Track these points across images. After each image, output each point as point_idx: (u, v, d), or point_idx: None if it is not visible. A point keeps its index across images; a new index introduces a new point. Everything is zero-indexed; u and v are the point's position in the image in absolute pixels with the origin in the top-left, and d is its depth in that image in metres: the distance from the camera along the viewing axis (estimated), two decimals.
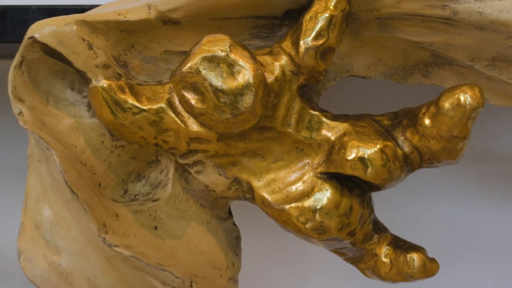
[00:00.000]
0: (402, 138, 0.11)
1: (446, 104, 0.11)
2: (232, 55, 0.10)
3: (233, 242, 0.13)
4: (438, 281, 0.23)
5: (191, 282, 0.11)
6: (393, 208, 0.20)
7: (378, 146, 0.11)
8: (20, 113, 0.12)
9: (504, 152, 0.23)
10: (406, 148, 0.11)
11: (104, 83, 0.11)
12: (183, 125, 0.11)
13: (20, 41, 0.13)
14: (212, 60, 0.10)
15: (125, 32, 0.12)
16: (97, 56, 0.12)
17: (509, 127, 0.24)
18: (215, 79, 0.10)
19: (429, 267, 0.12)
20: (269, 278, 0.23)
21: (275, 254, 0.23)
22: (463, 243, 0.23)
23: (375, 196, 0.14)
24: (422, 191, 0.23)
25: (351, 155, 0.11)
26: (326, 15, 0.11)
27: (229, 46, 0.10)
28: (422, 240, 0.14)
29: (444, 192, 0.23)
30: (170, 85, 0.12)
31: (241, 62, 0.10)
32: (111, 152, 0.12)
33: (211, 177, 0.12)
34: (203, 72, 0.10)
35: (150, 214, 0.12)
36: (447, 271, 0.22)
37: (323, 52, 0.11)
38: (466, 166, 0.23)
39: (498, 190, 0.23)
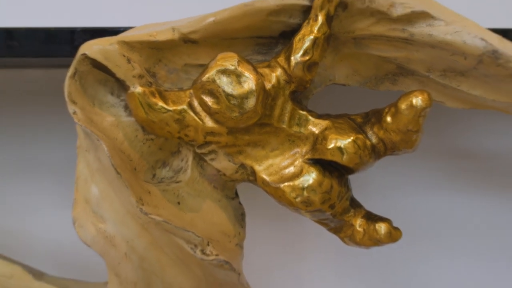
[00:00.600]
0: (370, 132, 0.15)
1: (403, 106, 0.14)
2: (239, 68, 0.14)
3: (239, 217, 0.17)
4: (418, 268, 0.26)
5: (208, 242, 0.14)
6: (376, 200, 0.23)
7: (352, 138, 0.14)
8: (74, 113, 0.15)
9: (476, 149, 0.26)
10: (374, 140, 0.15)
11: (139, 89, 0.15)
12: (200, 122, 0.15)
13: (67, 56, 0.17)
14: (225, 72, 0.14)
15: (154, 49, 0.15)
16: (134, 69, 0.15)
17: (480, 126, 0.27)
18: (227, 86, 0.14)
19: (394, 234, 0.15)
20: (267, 257, 0.26)
21: (273, 236, 0.27)
22: (440, 231, 0.27)
23: (362, 188, 0.17)
24: (403, 185, 0.26)
25: (331, 145, 0.14)
26: (311, 37, 0.14)
27: (237, 62, 0.14)
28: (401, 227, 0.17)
29: (424, 185, 0.27)
30: (190, 91, 0.15)
31: (246, 74, 0.13)
32: (143, 144, 0.16)
33: (222, 163, 0.15)
34: (218, 81, 0.14)
35: (174, 193, 0.16)
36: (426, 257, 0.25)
37: (309, 66, 0.14)
38: (447, 162, 0.26)
39: (473, 182, 0.26)
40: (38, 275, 0.20)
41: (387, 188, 0.27)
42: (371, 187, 0.27)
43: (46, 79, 0.24)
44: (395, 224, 0.16)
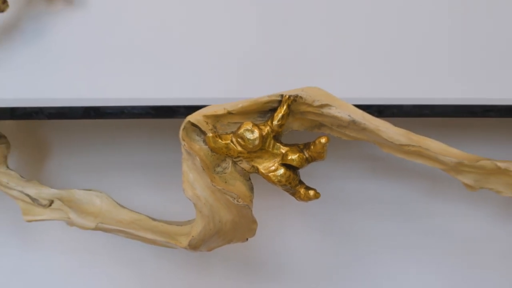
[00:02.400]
0: (305, 151, 0.35)
1: (317, 141, 0.35)
2: (252, 128, 0.34)
3: (251, 188, 0.37)
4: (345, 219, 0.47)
5: (239, 197, 0.35)
6: (319, 181, 0.44)
7: (297, 155, 0.35)
8: (183, 145, 0.36)
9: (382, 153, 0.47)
10: (307, 155, 0.35)
11: (210, 134, 0.36)
12: (236, 148, 0.36)
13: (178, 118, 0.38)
14: (246, 130, 0.34)
15: (216, 116, 0.36)
16: (208, 125, 0.36)
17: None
18: (247, 135, 0.34)
19: (316, 195, 0.36)
20: (264, 211, 0.47)
21: (267, 200, 0.48)
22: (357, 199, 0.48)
23: (309, 174, 0.38)
24: (332, 172, 0.47)
25: (289, 157, 0.35)
26: (281, 114, 0.35)
27: (251, 125, 0.34)
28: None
29: (345, 173, 0.48)
30: (232, 135, 0.36)
31: (255, 130, 0.34)
32: (211, 156, 0.36)
33: (244, 165, 0.36)
34: (244, 133, 0.34)
35: (223, 178, 0.36)
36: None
37: (280, 126, 0.35)
38: (362, 163, 0.47)
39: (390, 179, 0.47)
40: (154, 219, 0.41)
41: (324, 174, 0.48)
42: (315, 174, 0.48)
43: (160, 125, 0.45)
44: (324, 195, 0.36)
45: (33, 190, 0.44)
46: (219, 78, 0.49)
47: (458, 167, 0.38)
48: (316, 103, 0.35)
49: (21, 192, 0.44)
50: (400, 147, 0.37)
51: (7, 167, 0.45)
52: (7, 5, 0.47)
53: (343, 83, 0.49)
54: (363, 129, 0.36)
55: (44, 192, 0.45)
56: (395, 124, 0.36)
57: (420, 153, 0.37)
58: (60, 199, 0.44)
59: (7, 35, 0.50)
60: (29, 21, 0.50)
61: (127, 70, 0.50)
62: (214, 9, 0.49)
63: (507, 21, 0.48)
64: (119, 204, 0.43)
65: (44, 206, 0.44)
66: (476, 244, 0.50)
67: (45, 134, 0.51)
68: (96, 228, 0.42)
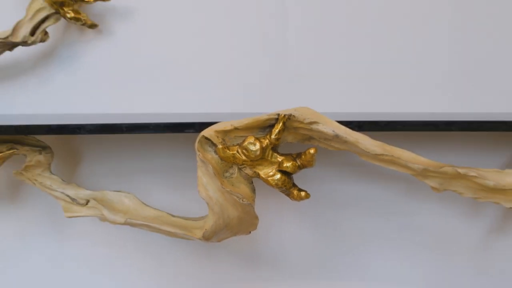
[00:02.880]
0: (298, 160, 0.44)
1: (307, 151, 0.43)
2: (254, 141, 0.43)
3: (253, 190, 0.46)
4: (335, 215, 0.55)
5: (243, 197, 0.43)
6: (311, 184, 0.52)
7: (291, 163, 0.43)
8: (198, 155, 0.44)
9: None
10: (299, 163, 0.43)
11: (220, 146, 0.44)
12: (241, 157, 0.44)
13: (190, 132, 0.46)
14: (250, 142, 0.43)
15: (224, 131, 0.44)
16: (218, 139, 0.44)
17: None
18: (250, 147, 0.43)
19: (307, 195, 0.44)
20: (264, 208, 0.56)
21: (262, 204, 0.56)
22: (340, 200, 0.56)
23: (303, 178, 0.46)
24: (323, 176, 0.55)
25: (284, 165, 0.43)
26: (277, 129, 0.43)
27: (254, 139, 0.43)
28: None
29: (334, 178, 0.56)
30: (237, 146, 0.44)
31: (256, 143, 0.43)
32: (220, 164, 0.45)
33: (247, 171, 0.44)
34: (248, 145, 0.43)
35: (231, 181, 0.45)
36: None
37: (277, 139, 0.43)
38: (343, 168, 0.55)
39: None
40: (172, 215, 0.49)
41: (315, 178, 0.56)
42: (307, 178, 0.56)
43: (177, 137, 0.53)
44: (315, 196, 0.45)
45: (72, 191, 0.53)
46: (224, 96, 0.58)
47: (424, 173, 0.46)
48: (307, 121, 0.43)
49: (63, 193, 0.53)
50: (376, 156, 0.45)
51: (51, 172, 0.54)
52: (48, 36, 0.56)
53: (330, 99, 0.57)
54: (345, 141, 0.44)
55: (81, 193, 0.53)
56: (372, 137, 0.44)
57: (392, 161, 0.45)
58: (95, 199, 0.53)
59: (46, 60, 0.59)
60: (64, 48, 0.58)
61: (146, 88, 0.58)
62: (220, 40, 0.57)
63: (471, 41, 0.56)
64: (143, 203, 0.52)
65: (81, 204, 0.52)
66: (446, 237, 0.58)
67: (78, 145, 0.60)
68: (125, 223, 0.51)
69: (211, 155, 0.45)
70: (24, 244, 0.62)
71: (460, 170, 0.45)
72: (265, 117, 0.44)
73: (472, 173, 0.45)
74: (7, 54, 0.56)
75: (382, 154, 0.44)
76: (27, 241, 0.62)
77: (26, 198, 0.61)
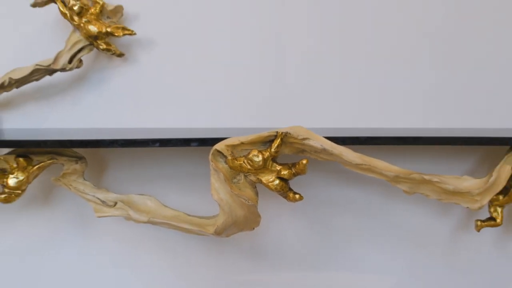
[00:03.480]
0: (293, 169, 0.53)
1: (300, 162, 0.53)
2: (257, 153, 0.53)
3: (256, 193, 0.56)
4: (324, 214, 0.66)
5: (249, 199, 0.53)
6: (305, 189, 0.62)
7: (288, 171, 0.53)
8: (211, 164, 0.54)
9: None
10: (293, 171, 0.53)
11: (229, 157, 0.54)
12: (246, 167, 0.54)
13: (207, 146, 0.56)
14: (254, 154, 0.53)
15: (232, 146, 0.54)
16: (228, 151, 0.54)
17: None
18: (254, 158, 0.53)
19: (301, 197, 0.54)
20: (265, 207, 0.65)
21: (264, 205, 0.66)
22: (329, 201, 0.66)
23: (299, 184, 0.56)
24: (316, 181, 0.65)
25: (282, 172, 0.53)
26: (276, 143, 0.53)
27: (258, 152, 0.52)
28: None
29: (324, 182, 0.66)
30: (243, 157, 0.54)
31: (259, 155, 0.52)
32: (229, 171, 0.55)
33: (252, 178, 0.54)
34: (252, 157, 0.53)
35: (238, 186, 0.55)
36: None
37: (276, 152, 0.53)
38: (331, 176, 0.65)
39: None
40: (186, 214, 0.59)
41: (308, 183, 0.66)
42: (301, 183, 0.66)
43: (192, 148, 0.63)
44: (308, 198, 0.55)
45: (102, 195, 0.63)
46: (230, 112, 0.68)
47: (396, 179, 0.56)
48: (300, 137, 0.53)
49: (94, 196, 0.63)
50: (357, 166, 0.55)
51: (84, 178, 0.63)
52: (82, 63, 0.65)
53: (320, 116, 0.67)
54: (331, 154, 0.54)
55: (110, 196, 0.63)
56: (354, 150, 0.54)
57: (370, 169, 0.55)
58: (122, 201, 0.62)
59: (79, 82, 0.68)
60: (95, 73, 0.68)
61: (164, 106, 0.68)
62: (227, 66, 0.67)
63: (443, 61, 0.66)
64: (163, 204, 0.62)
65: (110, 206, 0.62)
66: (420, 232, 0.68)
67: (105, 154, 0.69)
68: (148, 222, 0.60)
69: (222, 164, 0.54)
70: (56, 241, 0.71)
71: (425, 177, 0.55)
72: (266, 134, 0.54)
73: (435, 179, 0.55)
74: (46, 77, 0.66)
75: (362, 164, 0.54)
76: (59, 238, 0.71)
77: (57, 201, 0.71)
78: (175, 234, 0.69)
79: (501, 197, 0.58)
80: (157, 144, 0.55)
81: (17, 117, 0.70)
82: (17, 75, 0.64)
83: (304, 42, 0.67)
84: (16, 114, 0.70)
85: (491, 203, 0.59)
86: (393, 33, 0.66)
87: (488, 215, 0.60)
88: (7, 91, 0.67)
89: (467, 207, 0.57)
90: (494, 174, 0.56)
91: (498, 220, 0.59)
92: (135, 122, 0.68)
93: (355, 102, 0.67)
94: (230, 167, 0.54)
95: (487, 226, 0.60)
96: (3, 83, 0.65)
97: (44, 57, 0.64)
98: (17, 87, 0.66)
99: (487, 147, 0.65)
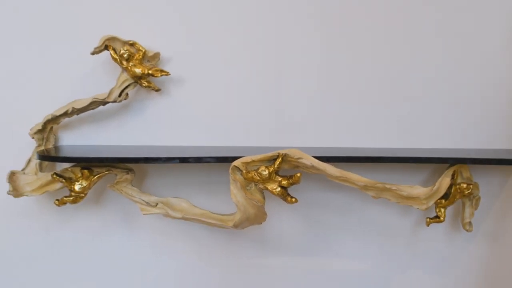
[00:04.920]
0: (290, 180, 0.73)
1: (295, 175, 0.73)
2: (265, 169, 0.73)
3: (264, 197, 0.76)
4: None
5: (258, 200, 0.73)
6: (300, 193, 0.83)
7: (287, 181, 0.73)
8: (231, 176, 0.74)
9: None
10: (291, 181, 0.73)
11: (244, 171, 0.74)
12: (256, 178, 0.74)
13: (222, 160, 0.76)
14: (262, 169, 0.72)
15: (246, 163, 0.74)
16: (243, 166, 0.74)
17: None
18: (262, 172, 0.73)
19: (296, 200, 0.74)
20: (268, 208, 0.86)
21: (269, 206, 0.86)
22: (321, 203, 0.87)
23: (297, 190, 0.76)
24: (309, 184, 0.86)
25: (282, 182, 0.73)
26: (278, 162, 0.73)
27: (265, 167, 0.72)
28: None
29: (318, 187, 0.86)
30: (254, 171, 0.74)
31: (266, 170, 0.72)
32: (244, 182, 0.75)
33: (260, 186, 0.74)
34: (261, 171, 0.73)
35: (251, 192, 0.75)
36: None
37: (278, 167, 0.73)
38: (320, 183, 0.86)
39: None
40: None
41: (303, 190, 0.86)
42: (298, 190, 0.86)
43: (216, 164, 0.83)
44: (302, 201, 0.75)
45: (146, 197, 0.83)
46: (244, 134, 0.87)
47: (365, 187, 0.76)
48: (295, 157, 0.73)
49: (140, 198, 0.83)
50: (337, 177, 0.75)
51: (132, 185, 0.83)
52: (128, 96, 0.85)
53: (314, 138, 0.87)
54: (318, 169, 0.74)
55: (152, 199, 0.83)
56: (336, 166, 0.74)
57: (346, 180, 0.75)
58: (162, 202, 0.82)
59: (124, 110, 0.88)
60: (137, 103, 0.88)
61: (192, 128, 0.88)
62: (239, 98, 0.87)
63: (407, 97, 0.86)
64: (193, 205, 0.82)
65: (152, 206, 0.82)
66: (386, 227, 0.88)
67: (146, 167, 0.89)
68: (182, 218, 0.80)
69: (238, 176, 0.74)
70: (106, 232, 0.91)
71: (386, 186, 0.76)
72: (271, 154, 0.74)
73: (394, 187, 0.76)
74: (100, 107, 0.85)
75: (340, 176, 0.75)
76: (108, 230, 0.91)
77: (107, 202, 0.91)
78: (201, 228, 0.89)
79: (443, 201, 0.78)
80: (191, 160, 0.75)
81: (74, 136, 0.89)
82: (78, 105, 0.84)
83: (301, 84, 0.86)
84: (73, 133, 0.89)
85: (436, 205, 0.79)
86: (367, 75, 0.86)
87: (435, 214, 0.80)
88: (69, 117, 0.86)
89: (417, 208, 0.77)
90: (437, 184, 0.76)
91: (442, 218, 0.79)
92: (168, 141, 0.88)
93: (338, 128, 0.87)
94: (245, 178, 0.74)
95: (434, 222, 0.80)
96: (67, 111, 0.84)
97: (97, 90, 0.83)
98: (77, 114, 0.86)
99: (434, 164, 0.85)
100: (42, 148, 0.86)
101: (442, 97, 0.86)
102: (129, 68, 0.83)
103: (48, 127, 0.87)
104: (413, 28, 0.84)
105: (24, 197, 0.86)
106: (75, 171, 0.82)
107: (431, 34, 0.84)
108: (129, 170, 0.83)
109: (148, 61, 0.85)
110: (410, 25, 0.84)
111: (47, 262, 0.93)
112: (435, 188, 0.76)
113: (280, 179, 0.75)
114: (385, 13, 0.84)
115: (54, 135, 0.88)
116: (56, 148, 0.87)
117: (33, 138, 0.86)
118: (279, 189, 0.74)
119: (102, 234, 0.91)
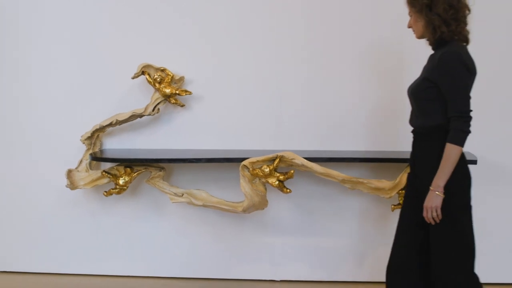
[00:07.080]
0: (286, 175, 0.97)
1: (289, 171, 0.96)
2: (266, 167, 0.96)
3: (266, 189, 1.00)
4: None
5: (262, 191, 0.97)
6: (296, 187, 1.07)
7: (283, 176, 0.97)
8: (241, 173, 0.97)
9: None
10: (287, 176, 0.97)
11: (251, 168, 0.98)
12: (260, 174, 0.97)
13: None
14: (264, 167, 0.96)
15: (253, 162, 0.98)
16: (250, 165, 0.98)
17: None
18: (265, 169, 0.96)
19: (289, 191, 0.98)
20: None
21: (270, 195, 1.10)
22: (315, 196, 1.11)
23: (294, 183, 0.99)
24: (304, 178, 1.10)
25: (280, 177, 0.97)
26: (276, 162, 0.97)
27: (266, 166, 0.96)
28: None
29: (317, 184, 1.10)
30: (258, 169, 0.97)
31: (268, 168, 0.96)
32: (250, 177, 0.98)
33: (263, 180, 0.98)
34: (264, 169, 0.96)
35: (256, 185, 0.99)
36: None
37: (277, 166, 0.97)
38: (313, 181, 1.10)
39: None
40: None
41: (296, 183, 1.10)
42: (292, 182, 1.10)
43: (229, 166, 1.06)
44: (295, 191, 0.99)
45: (174, 189, 1.07)
46: (250, 139, 1.11)
47: (343, 181, 1.00)
48: (290, 158, 0.97)
49: (169, 190, 1.07)
50: (321, 174, 0.99)
51: (163, 180, 1.07)
52: (159, 110, 1.08)
53: (304, 142, 1.10)
54: (306, 167, 0.98)
55: (179, 190, 1.07)
56: (321, 164, 0.97)
57: (329, 176, 0.99)
58: (187, 193, 1.06)
59: (155, 121, 1.11)
60: (166, 115, 1.11)
61: (208, 135, 1.11)
62: (247, 110, 1.10)
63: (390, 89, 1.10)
64: (211, 195, 1.05)
65: (179, 196, 1.06)
66: (363, 212, 1.12)
67: (173, 165, 1.13)
68: (202, 205, 1.05)
69: (246, 172, 0.98)
70: (139, 218, 1.15)
71: (359, 180, 1.00)
72: (271, 156, 0.98)
73: (365, 181, 1.00)
74: (137, 119, 1.09)
75: (324, 173, 0.98)
76: (141, 216, 1.15)
77: (141, 193, 1.14)
78: (215, 213, 1.13)
79: (403, 192, 1.02)
80: (215, 160, 0.99)
81: (115, 141, 1.13)
82: (120, 118, 1.07)
83: (296, 100, 1.10)
84: (114, 139, 1.13)
85: (399, 195, 1.03)
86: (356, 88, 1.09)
87: (398, 202, 1.04)
88: (112, 127, 1.10)
89: (384, 197, 1.01)
90: (398, 178, 1.00)
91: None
92: (188, 145, 1.12)
93: (325, 134, 1.10)
94: (251, 174, 0.98)
95: (397, 208, 1.04)
96: (111, 122, 1.08)
97: (134, 106, 1.07)
98: (119, 125, 1.10)
99: (396, 163, 1.08)
100: (91, 151, 1.10)
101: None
102: (160, 89, 1.06)
103: (95, 135, 1.11)
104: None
105: (76, 190, 1.09)
106: (119, 169, 1.06)
107: None
108: (161, 168, 1.07)
109: (175, 83, 1.09)
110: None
111: (92, 241, 1.16)
112: (397, 181, 1.00)
113: (278, 174, 0.98)
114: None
115: (100, 140, 1.12)
116: (102, 151, 1.11)
117: (83, 143, 1.10)
118: (277, 182, 0.98)
119: (137, 220, 1.15)
